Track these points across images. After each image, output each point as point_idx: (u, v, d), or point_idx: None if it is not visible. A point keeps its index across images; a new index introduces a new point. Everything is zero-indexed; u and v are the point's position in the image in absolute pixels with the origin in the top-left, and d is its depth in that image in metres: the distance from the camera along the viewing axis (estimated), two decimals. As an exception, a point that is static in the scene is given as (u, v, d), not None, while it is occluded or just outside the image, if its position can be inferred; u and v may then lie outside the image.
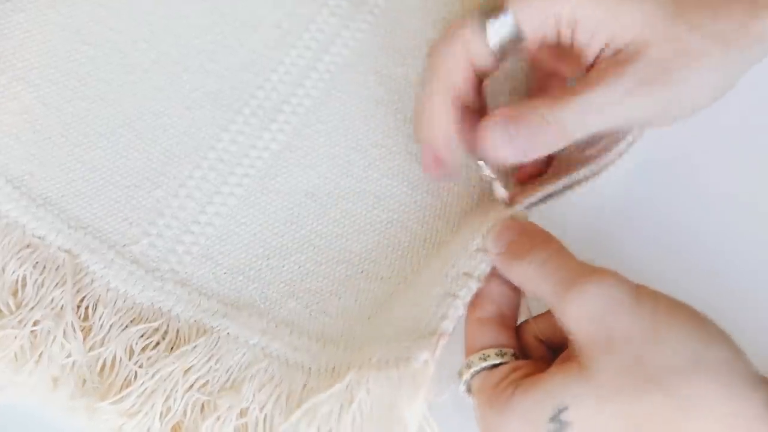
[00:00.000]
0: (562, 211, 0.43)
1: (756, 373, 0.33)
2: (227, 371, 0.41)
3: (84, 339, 0.41)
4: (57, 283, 0.42)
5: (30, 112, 0.47)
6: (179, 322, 0.42)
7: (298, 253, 0.45)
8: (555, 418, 0.33)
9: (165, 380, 0.40)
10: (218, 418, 0.39)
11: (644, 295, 0.35)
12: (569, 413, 0.33)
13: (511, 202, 0.42)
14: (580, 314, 0.35)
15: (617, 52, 0.39)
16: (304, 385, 0.40)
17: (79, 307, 0.42)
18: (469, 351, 0.38)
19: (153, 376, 0.40)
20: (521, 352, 0.38)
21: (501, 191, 0.42)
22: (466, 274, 0.39)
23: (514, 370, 0.36)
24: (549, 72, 0.46)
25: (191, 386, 0.40)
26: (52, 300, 0.42)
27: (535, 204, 0.41)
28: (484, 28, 0.40)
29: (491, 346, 0.37)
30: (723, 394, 0.32)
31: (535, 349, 0.39)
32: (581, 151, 0.43)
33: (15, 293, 0.42)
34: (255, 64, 0.51)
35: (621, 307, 0.34)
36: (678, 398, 0.32)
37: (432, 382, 0.36)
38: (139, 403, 0.40)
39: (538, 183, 0.43)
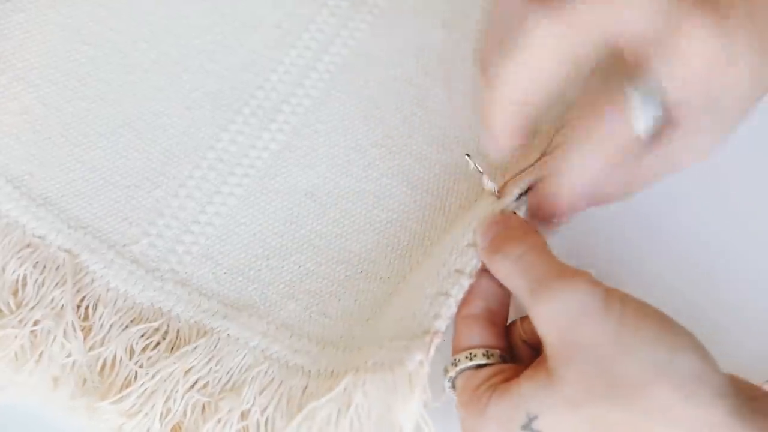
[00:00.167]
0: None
1: (723, 380, 0.33)
2: (228, 373, 0.41)
3: (84, 339, 0.41)
4: (57, 283, 0.42)
5: (30, 112, 0.47)
6: (179, 322, 0.43)
7: (298, 253, 0.45)
8: (526, 426, 0.34)
9: (165, 381, 0.40)
10: (219, 421, 0.39)
11: (613, 300, 0.34)
12: (539, 422, 0.33)
13: (500, 194, 0.41)
14: (548, 319, 0.34)
15: None
16: (304, 389, 0.40)
17: (79, 306, 0.42)
18: (457, 348, 0.38)
19: (153, 376, 0.40)
20: (509, 352, 0.38)
21: (489, 184, 0.41)
22: (457, 271, 0.39)
23: (496, 373, 0.36)
24: None
25: (191, 387, 0.40)
26: (53, 300, 0.42)
27: (525, 193, 0.41)
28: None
29: (479, 346, 0.37)
30: (686, 403, 0.32)
31: (522, 351, 0.38)
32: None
33: (15, 293, 0.42)
34: (255, 64, 0.51)
35: (588, 315, 0.34)
36: (641, 407, 0.32)
37: (429, 382, 0.35)
38: (140, 404, 0.40)
39: (524, 171, 0.43)
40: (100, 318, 0.42)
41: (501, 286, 0.38)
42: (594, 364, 0.33)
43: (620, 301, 0.34)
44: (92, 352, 0.41)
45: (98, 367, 0.41)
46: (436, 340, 0.37)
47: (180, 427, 0.40)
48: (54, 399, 0.41)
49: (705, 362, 0.33)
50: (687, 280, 0.45)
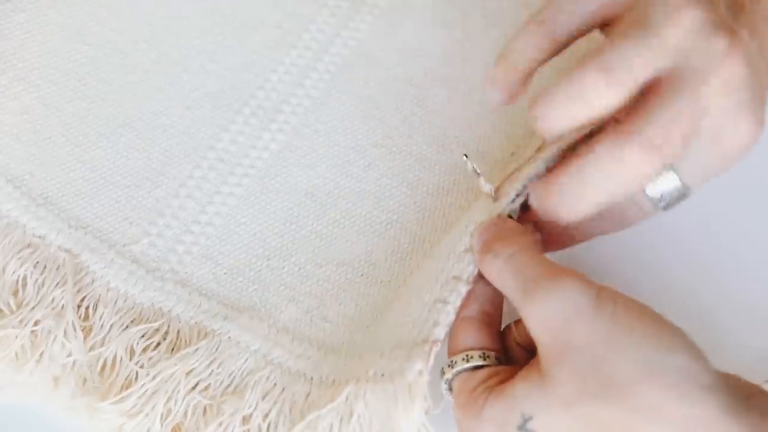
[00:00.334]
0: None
1: (715, 377, 0.33)
2: (229, 376, 0.41)
3: (84, 339, 0.41)
4: (57, 283, 0.42)
5: (30, 112, 0.47)
6: (180, 323, 0.43)
7: (298, 254, 0.45)
8: (522, 427, 0.34)
9: (166, 382, 0.40)
10: (221, 424, 0.39)
11: (605, 299, 0.34)
12: (534, 422, 0.33)
13: (496, 195, 0.41)
14: (540, 320, 0.34)
15: None
16: (307, 396, 0.40)
17: (79, 306, 0.42)
18: (453, 350, 0.38)
19: (154, 377, 0.40)
20: (505, 354, 0.38)
21: (486, 186, 0.41)
22: (455, 277, 0.39)
23: (492, 375, 0.36)
24: None
25: (193, 389, 0.40)
26: (53, 299, 0.42)
27: (521, 194, 0.41)
28: None
29: (475, 348, 0.37)
30: (677, 400, 0.32)
31: (517, 354, 0.38)
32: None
33: (16, 293, 0.42)
34: (255, 64, 0.51)
35: (580, 315, 0.34)
36: (634, 405, 0.32)
37: (428, 389, 0.36)
38: (140, 404, 0.40)
39: (518, 171, 0.42)
40: (100, 318, 0.42)
41: (494, 287, 0.38)
42: (586, 363, 0.33)
43: (612, 300, 0.34)
44: (93, 352, 0.41)
45: (99, 367, 0.41)
46: (435, 348, 0.37)
47: (180, 428, 0.40)
48: (54, 399, 0.41)
49: (696, 360, 0.33)
50: (687, 280, 0.45)
